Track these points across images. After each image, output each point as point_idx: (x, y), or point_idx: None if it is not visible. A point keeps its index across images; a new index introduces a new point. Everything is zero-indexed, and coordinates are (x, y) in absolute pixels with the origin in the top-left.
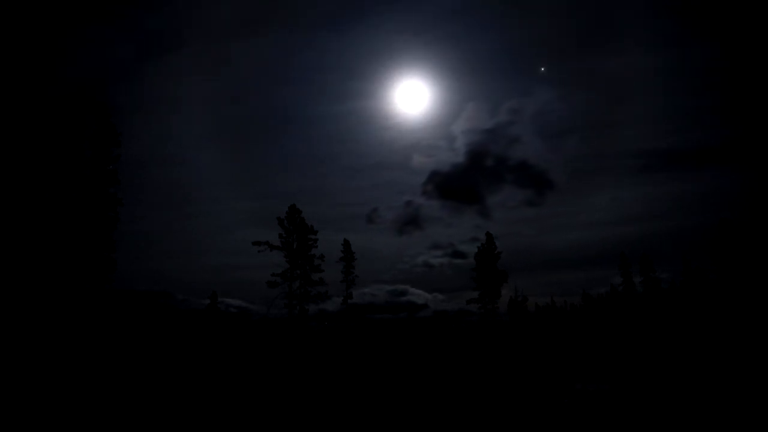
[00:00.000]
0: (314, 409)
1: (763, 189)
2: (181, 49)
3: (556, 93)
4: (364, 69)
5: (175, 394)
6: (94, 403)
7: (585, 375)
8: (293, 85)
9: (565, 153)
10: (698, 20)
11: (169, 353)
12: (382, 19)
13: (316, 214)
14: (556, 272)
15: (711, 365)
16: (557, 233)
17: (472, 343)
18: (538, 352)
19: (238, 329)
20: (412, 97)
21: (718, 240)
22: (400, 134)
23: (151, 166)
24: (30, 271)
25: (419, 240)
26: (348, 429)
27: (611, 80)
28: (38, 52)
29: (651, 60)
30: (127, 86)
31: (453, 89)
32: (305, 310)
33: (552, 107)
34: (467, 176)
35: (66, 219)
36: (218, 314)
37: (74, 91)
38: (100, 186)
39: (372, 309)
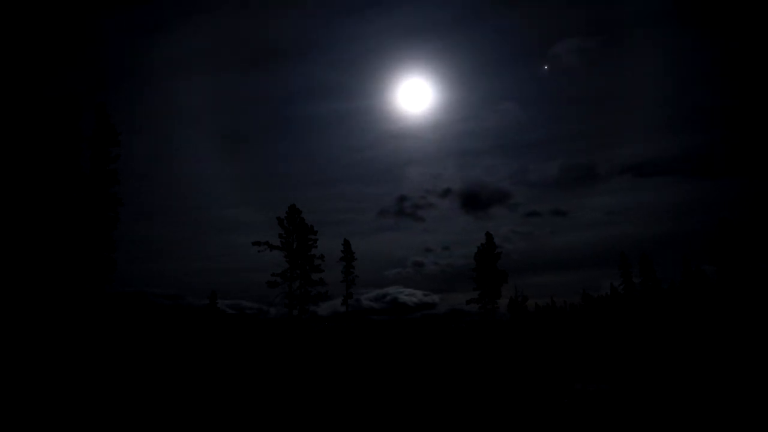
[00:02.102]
0: (315, 408)
1: (762, 191)
2: (190, 56)
3: (556, 94)
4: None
5: (175, 394)
6: (96, 401)
7: (585, 375)
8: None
9: (566, 157)
10: (698, 22)
11: (167, 353)
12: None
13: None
14: (555, 273)
15: (711, 365)
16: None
17: (473, 343)
18: (538, 352)
19: (238, 329)
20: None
21: (717, 240)
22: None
23: (153, 173)
24: (30, 271)
25: (387, 249)
26: (350, 428)
27: (612, 83)
28: (39, 56)
29: (651, 63)
30: (129, 94)
31: (455, 90)
32: (305, 310)
33: (551, 111)
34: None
35: (66, 219)
36: (218, 314)
37: (74, 92)
38: (100, 186)
39: (368, 310)
